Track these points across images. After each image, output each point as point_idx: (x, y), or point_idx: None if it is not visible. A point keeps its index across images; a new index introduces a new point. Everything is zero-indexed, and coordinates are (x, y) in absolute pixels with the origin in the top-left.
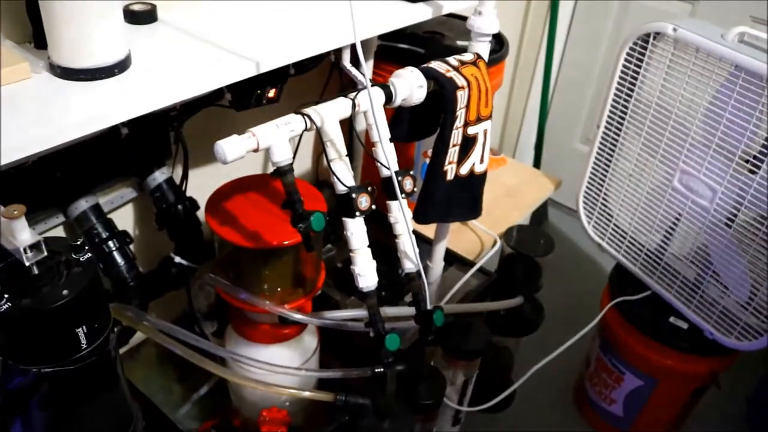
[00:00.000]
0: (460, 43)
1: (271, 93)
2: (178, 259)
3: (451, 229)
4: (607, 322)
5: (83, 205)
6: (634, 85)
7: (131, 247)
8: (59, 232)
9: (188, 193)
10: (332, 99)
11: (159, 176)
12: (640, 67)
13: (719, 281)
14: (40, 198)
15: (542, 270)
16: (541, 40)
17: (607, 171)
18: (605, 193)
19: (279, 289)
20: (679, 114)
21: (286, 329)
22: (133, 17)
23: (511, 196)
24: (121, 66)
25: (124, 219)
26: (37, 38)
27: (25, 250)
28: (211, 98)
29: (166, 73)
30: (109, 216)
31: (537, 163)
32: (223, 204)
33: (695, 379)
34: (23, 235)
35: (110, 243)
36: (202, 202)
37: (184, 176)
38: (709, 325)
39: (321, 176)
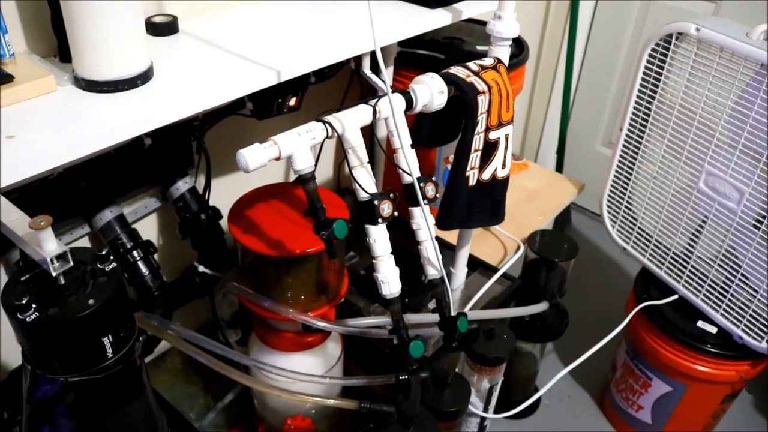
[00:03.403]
0: (479, 48)
1: (292, 101)
2: (201, 268)
3: (474, 235)
4: (634, 327)
5: (108, 215)
6: (656, 86)
7: (155, 256)
8: (84, 242)
9: (211, 202)
10: (353, 106)
11: (182, 186)
12: (662, 68)
13: (748, 284)
14: (65, 209)
15: (566, 275)
16: (561, 42)
17: (630, 174)
18: (629, 197)
19: (302, 297)
20: (704, 115)
21: (309, 337)
22: (154, 29)
23: (533, 200)
24: (144, 77)
25: (148, 229)
26: (61, 52)
27: (51, 260)
28: (233, 107)
29: (188, 83)
30: (133, 226)
31: (559, 167)
32: (245, 212)
33: (725, 385)
34: (50, 245)
35: (134, 253)
36: (225, 211)
37: (207, 185)
38: (739, 329)
39: (343, 183)
